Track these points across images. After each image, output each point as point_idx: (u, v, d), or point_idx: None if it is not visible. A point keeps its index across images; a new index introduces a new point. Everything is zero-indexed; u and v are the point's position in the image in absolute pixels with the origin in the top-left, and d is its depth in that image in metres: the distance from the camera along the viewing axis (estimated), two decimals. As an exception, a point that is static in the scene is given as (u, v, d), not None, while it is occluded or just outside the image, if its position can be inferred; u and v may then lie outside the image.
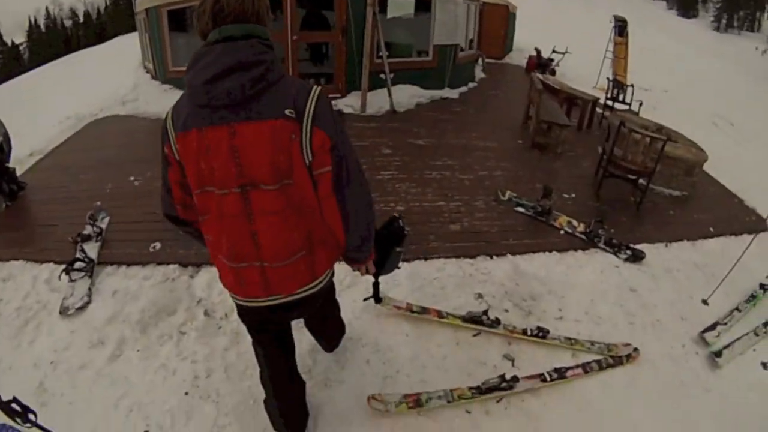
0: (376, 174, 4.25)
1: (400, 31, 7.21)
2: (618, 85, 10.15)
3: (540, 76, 9.28)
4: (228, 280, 1.44)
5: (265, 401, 1.84)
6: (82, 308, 2.76)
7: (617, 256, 3.32)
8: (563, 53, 11.45)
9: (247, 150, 1.21)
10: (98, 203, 3.80)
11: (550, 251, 3.27)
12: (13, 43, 51.01)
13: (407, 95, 6.47)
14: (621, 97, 6.75)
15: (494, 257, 3.19)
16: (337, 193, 1.32)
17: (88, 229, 3.36)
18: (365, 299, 2.13)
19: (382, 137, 5.22)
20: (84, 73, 13.22)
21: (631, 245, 3.43)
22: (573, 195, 4.13)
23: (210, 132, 1.20)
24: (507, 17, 12.55)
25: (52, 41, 50.07)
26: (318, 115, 1.23)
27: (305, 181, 1.28)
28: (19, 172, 4.44)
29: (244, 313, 1.56)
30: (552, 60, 11.25)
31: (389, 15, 6.16)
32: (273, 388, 1.74)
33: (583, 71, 11.47)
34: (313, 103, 1.23)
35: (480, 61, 9.46)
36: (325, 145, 1.24)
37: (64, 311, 2.74)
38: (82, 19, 53.59)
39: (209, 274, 2.98)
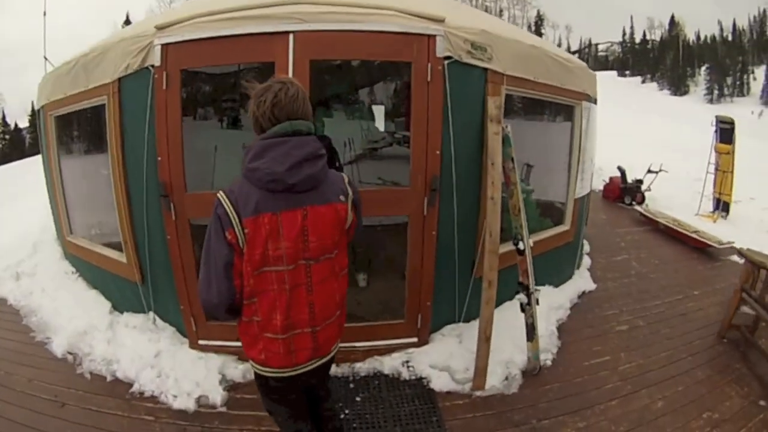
0: None
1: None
2: (725, 208, 8.24)
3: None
4: (274, 353, 1.51)
5: None
6: None
7: None
8: (656, 172, 8.61)
9: (314, 229, 1.44)
10: None
11: None
12: (17, 126, 48.50)
13: (543, 311, 3.15)
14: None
15: None
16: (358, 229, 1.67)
17: None
18: None
19: None
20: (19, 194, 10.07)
21: None
22: None
23: (285, 215, 1.40)
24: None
25: (51, 133, 48.83)
26: (356, 199, 1.58)
27: (344, 249, 1.58)
28: None
29: (281, 382, 1.60)
30: (641, 182, 8.41)
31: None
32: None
33: (674, 192, 8.95)
34: (350, 188, 1.56)
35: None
36: (355, 219, 1.60)
37: None
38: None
39: None
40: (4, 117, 48.91)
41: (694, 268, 4.79)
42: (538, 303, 2.81)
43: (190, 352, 2.75)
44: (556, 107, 3.60)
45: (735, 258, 4.92)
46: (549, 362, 2.94)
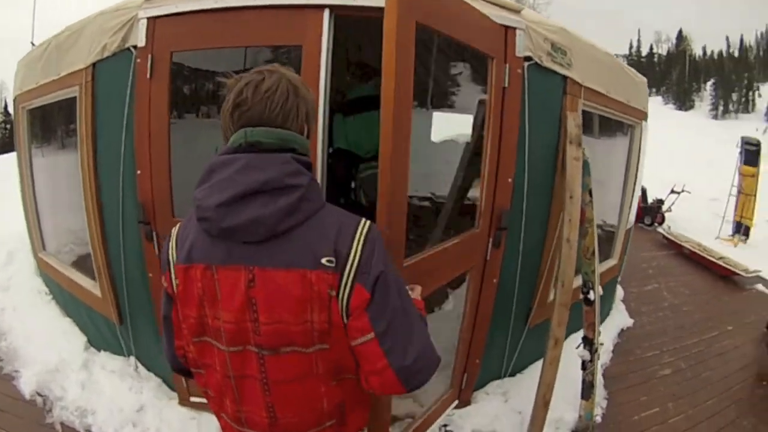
0: None
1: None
2: (745, 232, 8.09)
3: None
4: None
5: None
6: None
7: None
8: (679, 193, 8.31)
9: (268, 305, 0.88)
10: None
11: None
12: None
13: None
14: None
15: None
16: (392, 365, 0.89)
17: None
18: None
19: None
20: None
21: None
22: None
23: (222, 273, 0.89)
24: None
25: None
26: (363, 265, 0.88)
27: (346, 344, 0.92)
28: None
29: None
30: (662, 202, 8.08)
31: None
32: None
33: (691, 213, 8.82)
34: (359, 247, 0.88)
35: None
36: (362, 305, 0.87)
37: None
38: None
39: None
40: (6, 107, 48.41)
41: (722, 298, 4.79)
42: (599, 358, 2.39)
43: (180, 410, 2.24)
44: (608, 124, 3.13)
45: (761, 287, 4.92)
46: (599, 418, 2.64)
